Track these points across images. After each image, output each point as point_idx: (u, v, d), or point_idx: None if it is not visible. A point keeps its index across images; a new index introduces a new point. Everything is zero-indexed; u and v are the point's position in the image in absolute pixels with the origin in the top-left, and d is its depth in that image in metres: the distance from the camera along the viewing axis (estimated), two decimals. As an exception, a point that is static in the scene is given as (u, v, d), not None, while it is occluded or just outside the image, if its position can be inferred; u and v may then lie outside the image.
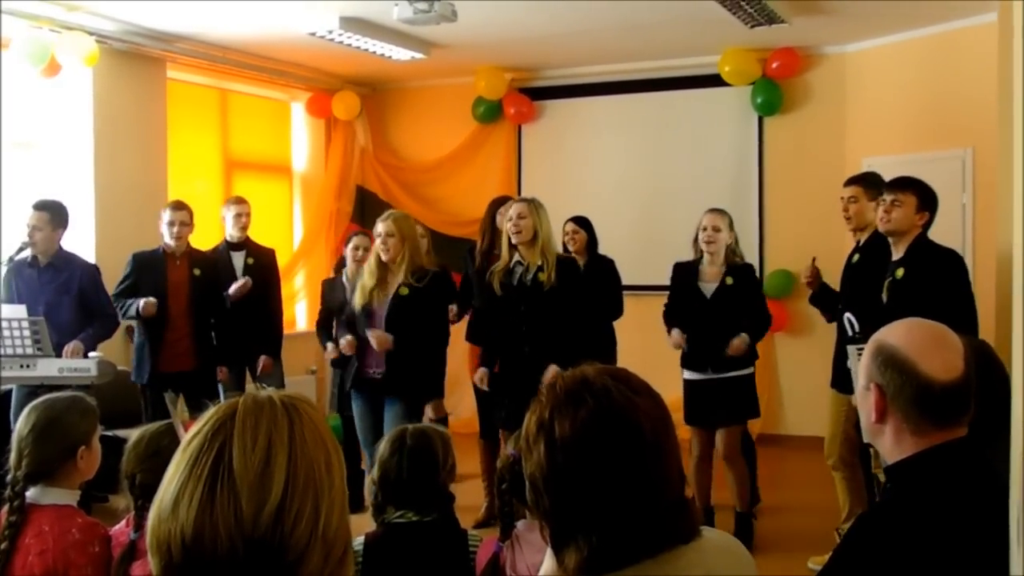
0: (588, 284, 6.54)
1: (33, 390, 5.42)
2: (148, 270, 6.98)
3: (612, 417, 1.73)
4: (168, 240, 7.02)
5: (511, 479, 3.22)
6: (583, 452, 1.71)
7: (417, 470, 3.32)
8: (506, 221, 6.24)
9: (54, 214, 6.53)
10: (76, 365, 6.12)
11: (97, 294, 6.66)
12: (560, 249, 6.68)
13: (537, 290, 6.03)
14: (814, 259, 6.42)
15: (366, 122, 11.08)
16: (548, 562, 1.84)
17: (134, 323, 7.13)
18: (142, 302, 6.76)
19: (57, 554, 3.04)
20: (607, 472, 1.71)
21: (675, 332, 6.43)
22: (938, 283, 5.18)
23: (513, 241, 6.14)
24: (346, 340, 6.22)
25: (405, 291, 6.05)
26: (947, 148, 8.33)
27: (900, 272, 5.29)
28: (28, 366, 6.06)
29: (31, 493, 3.13)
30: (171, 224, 6.99)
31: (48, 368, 6.06)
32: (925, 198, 5.36)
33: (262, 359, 7.57)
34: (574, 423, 1.72)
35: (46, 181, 7.99)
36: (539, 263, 6.06)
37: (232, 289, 7.33)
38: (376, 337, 6.02)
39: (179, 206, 7.11)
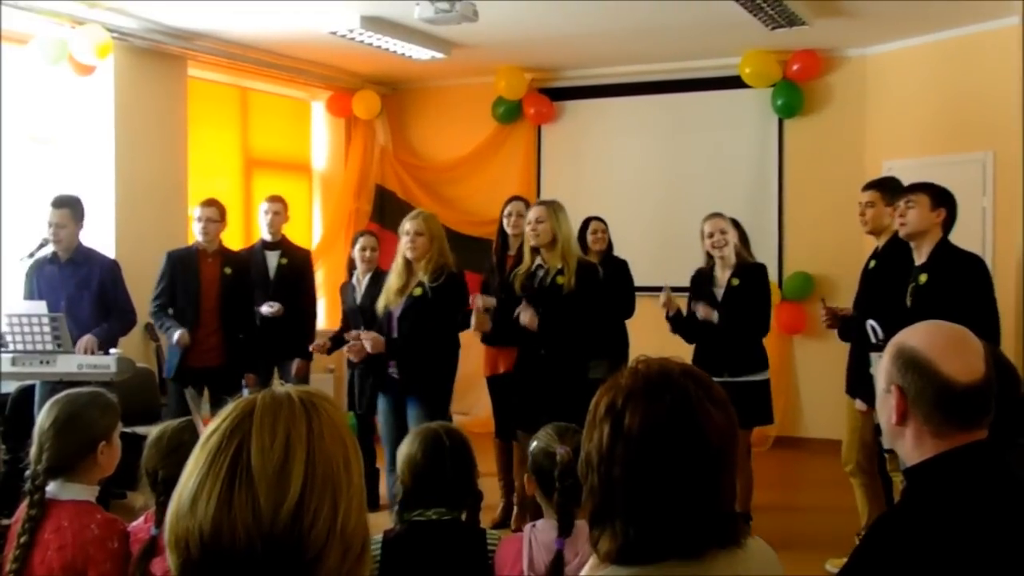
0: (607, 287, 6.51)
1: (54, 386, 5.45)
2: (182, 268, 7.05)
3: (684, 423, 1.74)
4: (198, 236, 7.08)
5: (574, 479, 3.19)
6: (645, 450, 1.72)
7: (460, 470, 3.34)
8: (525, 224, 6.22)
9: (75, 210, 6.57)
10: (96, 362, 6.14)
11: (116, 290, 6.69)
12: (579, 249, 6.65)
13: (555, 293, 5.98)
14: (823, 299, 6.43)
15: (386, 121, 11.09)
16: (592, 562, 1.85)
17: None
18: (177, 335, 6.82)
19: (76, 550, 3.05)
20: (663, 475, 1.72)
21: (702, 305, 6.47)
22: (961, 289, 5.09)
23: (532, 244, 6.11)
24: (372, 338, 6.12)
25: (419, 291, 6.04)
26: (968, 151, 8.28)
27: (923, 278, 5.20)
28: (48, 362, 6.09)
29: (51, 488, 3.15)
30: (198, 220, 7.05)
31: (68, 364, 6.08)
32: (937, 195, 5.29)
33: (296, 362, 7.58)
34: (645, 418, 1.73)
35: (66, 177, 8.02)
36: (559, 266, 6.00)
37: (264, 310, 7.35)
38: (371, 339, 6.06)
39: (208, 203, 7.15)
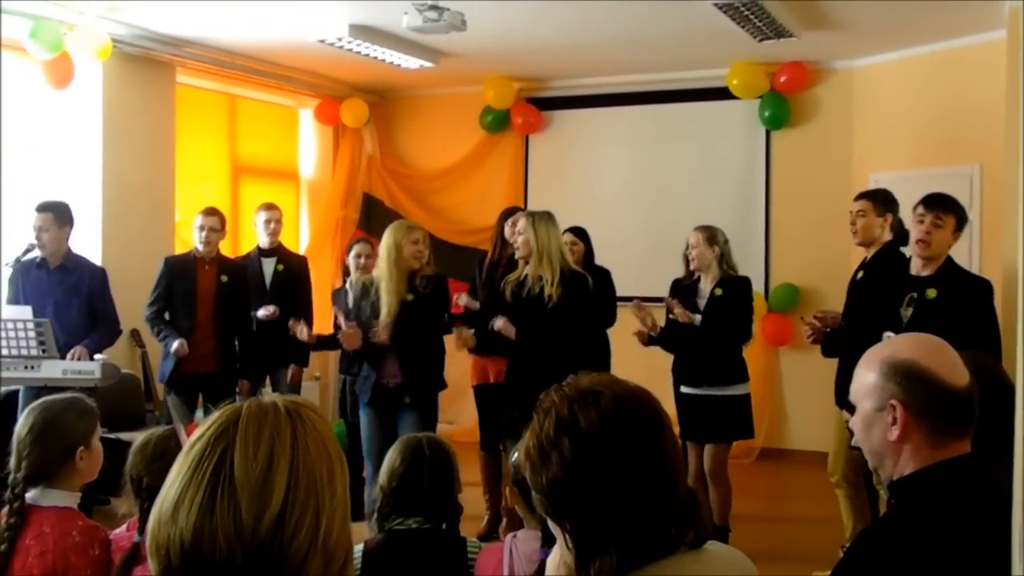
0: (593, 298, 6.48)
1: (38, 392, 5.42)
2: (179, 274, 7.05)
3: (634, 402, 1.76)
4: (198, 245, 7.07)
5: None
6: (612, 438, 1.72)
7: (437, 480, 3.34)
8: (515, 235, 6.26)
9: (58, 214, 6.54)
10: (80, 367, 6.13)
11: (103, 299, 6.67)
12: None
13: (540, 303, 6.00)
14: (802, 318, 6.44)
15: (374, 130, 11.09)
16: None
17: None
18: (175, 345, 6.80)
19: (57, 556, 3.03)
20: (636, 458, 1.71)
21: (677, 308, 6.40)
22: (970, 310, 5.04)
23: (516, 255, 6.17)
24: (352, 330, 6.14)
25: (411, 297, 6.06)
26: (955, 164, 8.30)
27: (932, 293, 5.13)
28: (32, 367, 6.06)
29: (32, 494, 3.13)
30: (200, 229, 7.04)
31: (52, 370, 6.06)
32: (961, 220, 5.25)
33: (291, 368, 7.58)
34: (599, 410, 1.73)
35: (54, 184, 7.99)
36: (541, 276, 6.03)
37: (261, 313, 7.35)
38: (347, 335, 6.07)
39: (211, 212, 7.15)
